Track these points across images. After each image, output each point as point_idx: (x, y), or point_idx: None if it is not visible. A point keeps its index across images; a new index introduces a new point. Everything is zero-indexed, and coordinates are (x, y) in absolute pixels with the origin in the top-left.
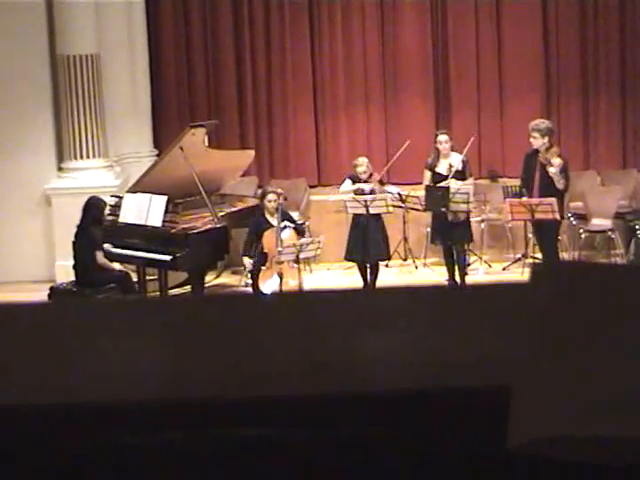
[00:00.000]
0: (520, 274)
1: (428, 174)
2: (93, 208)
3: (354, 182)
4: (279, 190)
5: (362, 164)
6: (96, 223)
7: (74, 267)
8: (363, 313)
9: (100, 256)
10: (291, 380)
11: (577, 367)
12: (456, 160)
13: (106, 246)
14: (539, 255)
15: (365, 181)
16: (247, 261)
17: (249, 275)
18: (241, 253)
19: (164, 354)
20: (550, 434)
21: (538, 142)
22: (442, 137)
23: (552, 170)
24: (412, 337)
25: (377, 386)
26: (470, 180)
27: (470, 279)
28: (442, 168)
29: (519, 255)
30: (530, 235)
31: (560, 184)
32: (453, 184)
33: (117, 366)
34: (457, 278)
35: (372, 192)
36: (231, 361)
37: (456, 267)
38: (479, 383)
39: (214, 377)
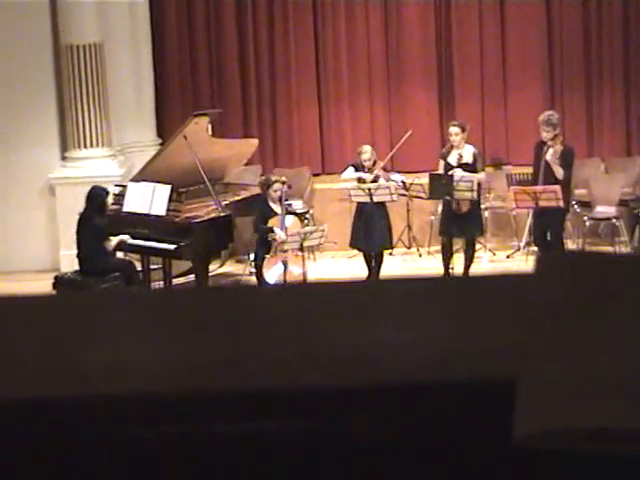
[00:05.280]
0: (524, 262)
1: (442, 163)
2: (96, 198)
3: (357, 170)
4: (283, 178)
5: (366, 152)
6: (99, 212)
7: (78, 256)
8: (367, 303)
9: (110, 244)
10: (293, 372)
11: (584, 358)
12: (467, 152)
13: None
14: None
15: (369, 169)
16: (278, 231)
17: (253, 264)
18: (257, 230)
19: (165, 346)
20: (556, 426)
21: (550, 135)
22: (452, 129)
23: (548, 155)
24: (417, 328)
25: (382, 377)
26: (482, 174)
27: (474, 267)
28: (452, 159)
29: (523, 243)
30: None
31: (558, 173)
32: (458, 173)
33: (118, 358)
34: (461, 269)
35: (375, 180)
36: (232, 353)
37: (457, 258)
38: (485, 374)
39: (215, 369)
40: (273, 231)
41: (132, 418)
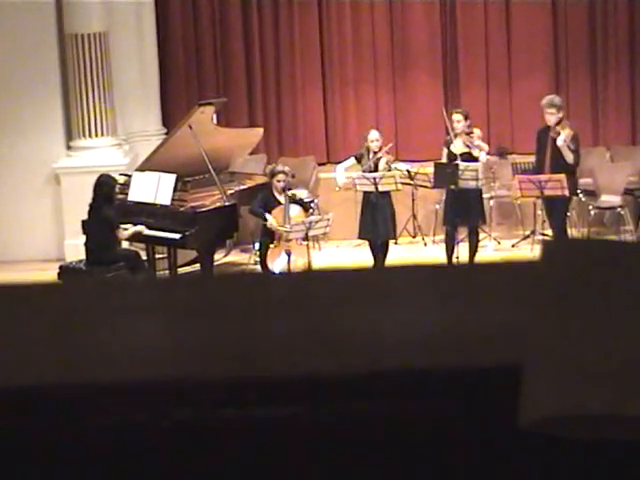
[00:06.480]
0: (529, 251)
1: (445, 151)
2: (104, 187)
3: (359, 161)
4: (286, 168)
5: (373, 135)
6: (108, 202)
7: (85, 245)
8: (370, 290)
9: (122, 234)
10: (297, 358)
11: (590, 344)
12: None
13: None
14: (549, 232)
15: (375, 152)
16: (268, 217)
17: (258, 253)
18: (252, 211)
19: (172, 333)
20: (562, 412)
21: (554, 118)
22: (456, 116)
23: (560, 141)
24: (421, 314)
25: (384, 363)
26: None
27: (479, 256)
28: (455, 147)
29: (528, 232)
30: (540, 212)
31: (569, 158)
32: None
33: (127, 345)
34: (466, 258)
35: (376, 166)
36: (238, 340)
37: (462, 248)
38: (489, 360)
39: (221, 356)
40: (265, 218)
41: (136, 404)
